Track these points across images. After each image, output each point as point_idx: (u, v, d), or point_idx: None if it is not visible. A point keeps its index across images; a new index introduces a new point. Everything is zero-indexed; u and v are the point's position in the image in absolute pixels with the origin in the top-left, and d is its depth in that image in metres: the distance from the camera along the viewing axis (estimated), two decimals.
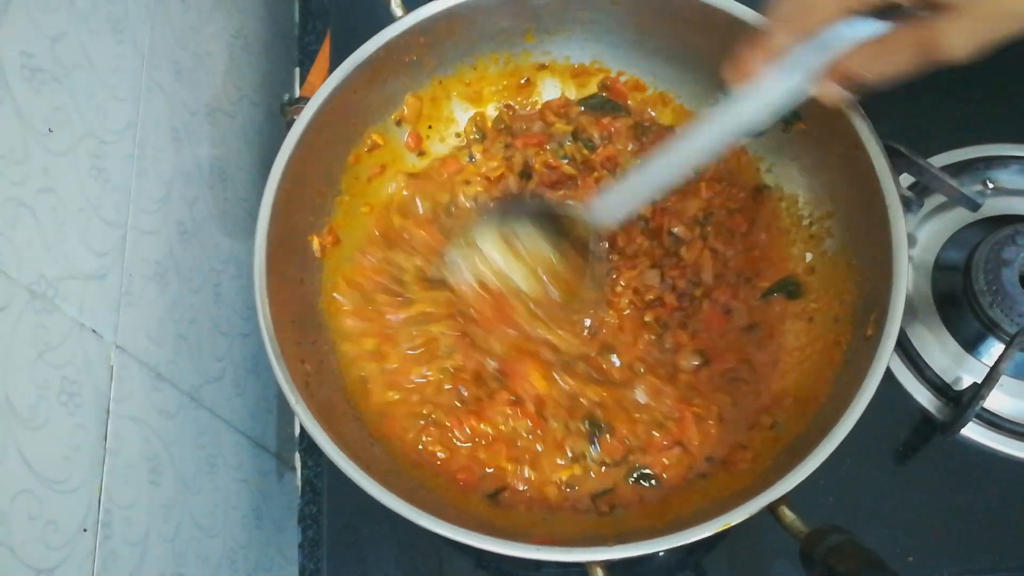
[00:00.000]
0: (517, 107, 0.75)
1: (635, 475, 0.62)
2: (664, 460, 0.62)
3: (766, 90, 0.49)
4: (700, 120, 0.53)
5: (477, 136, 0.74)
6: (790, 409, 0.61)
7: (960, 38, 0.43)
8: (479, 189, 0.72)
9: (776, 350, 0.65)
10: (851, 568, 0.47)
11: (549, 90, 0.75)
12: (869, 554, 0.47)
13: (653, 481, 0.62)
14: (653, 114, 0.74)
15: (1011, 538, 0.66)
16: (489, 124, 0.74)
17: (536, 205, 0.64)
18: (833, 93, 0.49)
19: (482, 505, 0.61)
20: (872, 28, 0.46)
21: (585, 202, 0.60)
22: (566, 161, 0.72)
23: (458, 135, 0.74)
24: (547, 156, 0.72)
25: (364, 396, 0.65)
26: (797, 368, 0.63)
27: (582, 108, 0.73)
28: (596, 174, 0.71)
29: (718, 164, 0.71)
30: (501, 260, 0.61)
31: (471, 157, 0.73)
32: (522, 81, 0.74)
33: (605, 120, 0.73)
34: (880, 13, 0.46)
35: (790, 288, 0.66)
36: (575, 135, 0.72)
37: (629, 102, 0.74)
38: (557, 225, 0.61)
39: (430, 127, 0.73)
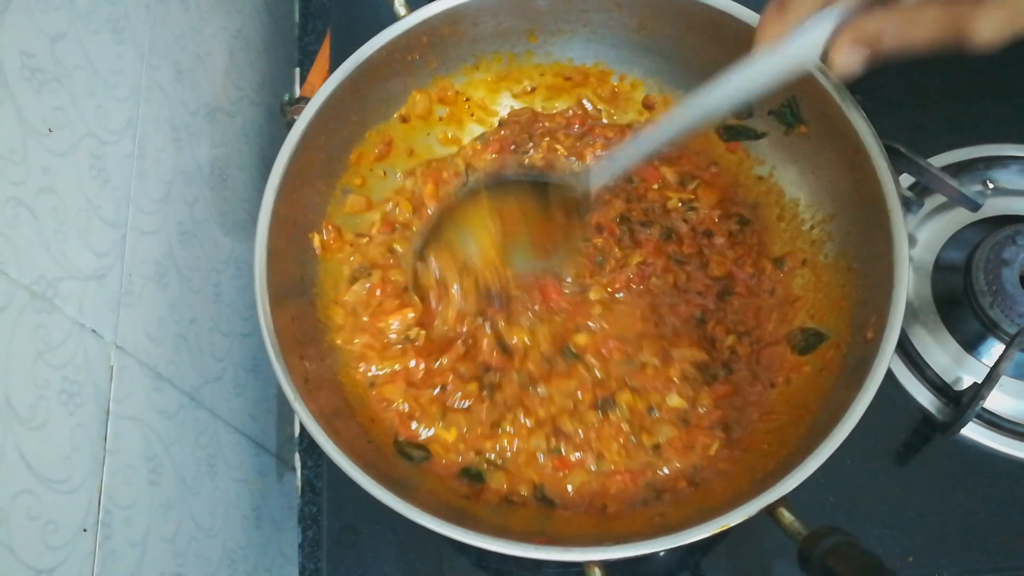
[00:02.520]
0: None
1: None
2: (677, 464, 0.62)
3: (786, 50, 0.49)
4: (717, 78, 0.51)
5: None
6: (790, 412, 0.61)
7: (991, 24, 0.42)
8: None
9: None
10: (849, 570, 0.47)
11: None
12: (867, 555, 0.47)
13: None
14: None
15: (1011, 538, 0.66)
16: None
17: (524, 175, 0.64)
18: (848, 60, 0.48)
19: (482, 504, 0.61)
20: None
21: (582, 165, 0.61)
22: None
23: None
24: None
25: (364, 395, 0.65)
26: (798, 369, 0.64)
27: None
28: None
29: (718, 174, 0.71)
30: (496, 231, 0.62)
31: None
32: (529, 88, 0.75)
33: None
34: None
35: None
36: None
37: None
38: (542, 194, 0.61)
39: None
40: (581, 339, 0.65)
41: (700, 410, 0.63)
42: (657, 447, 0.62)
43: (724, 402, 0.63)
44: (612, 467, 0.62)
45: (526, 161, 0.73)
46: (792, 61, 0.49)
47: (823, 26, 0.47)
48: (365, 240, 0.69)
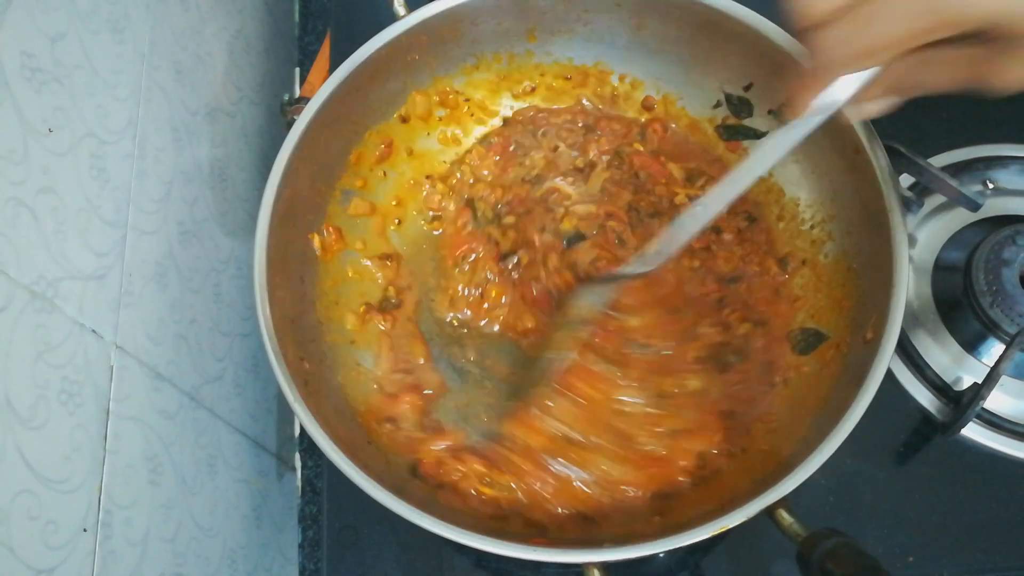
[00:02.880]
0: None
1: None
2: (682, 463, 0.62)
3: (813, 115, 0.49)
4: (753, 152, 0.53)
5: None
6: (790, 412, 0.61)
7: (1014, 72, 0.42)
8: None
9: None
10: (847, 572, 0.47)
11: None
12: (866, 557, 0.47)
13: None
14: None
15: (1011, 538, 0.66)
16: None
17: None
18: (872, 108, 0.48)
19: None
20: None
21: (636, 257, 0.62)
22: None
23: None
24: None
25: (363, 396, 0.65)
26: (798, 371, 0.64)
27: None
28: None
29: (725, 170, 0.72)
30: None
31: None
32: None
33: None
34: None
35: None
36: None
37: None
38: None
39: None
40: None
41: (711, 396, 0.63)
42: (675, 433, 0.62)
43: (734, 390, 0.64)
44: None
45: (526, 163, 0.73)
46: (822, 117, 0.49)
47: (854, 86, 0.46)
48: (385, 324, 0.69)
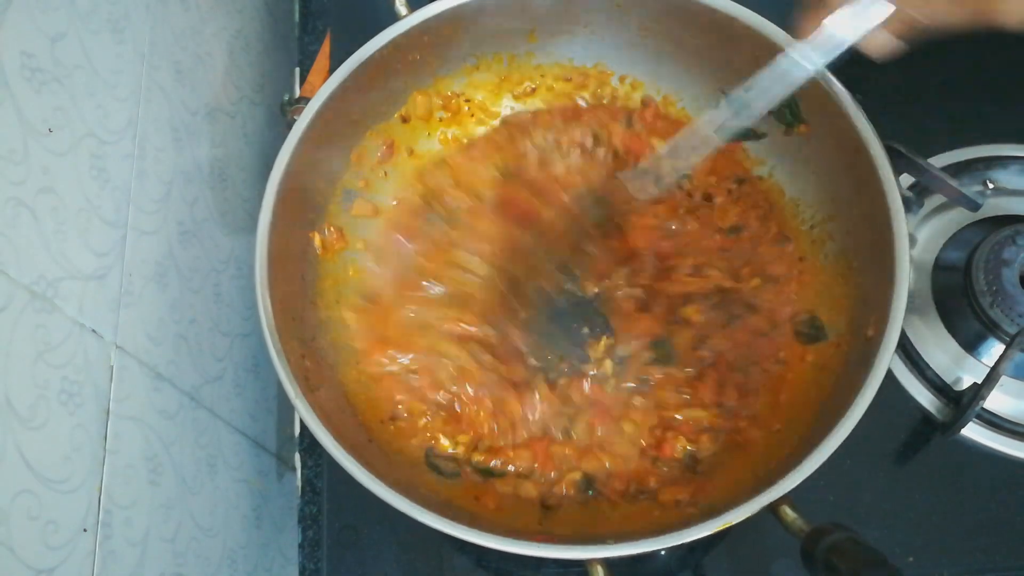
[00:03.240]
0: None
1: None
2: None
3: (825, 38, 0.51)
4: (762, 71, 0.54)
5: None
6: (790, 412, 0.61)
7: (1015, 8, 0.43)
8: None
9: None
10: (852, 566, 0.47)
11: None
12: (870, 551, 0.47)
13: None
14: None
15: (1011, 538, 0.66)
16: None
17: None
18: (882, 42, 0.49)
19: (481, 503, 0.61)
20: None
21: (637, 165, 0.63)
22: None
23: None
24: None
25: (364, 394, 0.65)
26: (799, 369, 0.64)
27: None
28: None
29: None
30: None
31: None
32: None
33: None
34: None
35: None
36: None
37: None
38: None
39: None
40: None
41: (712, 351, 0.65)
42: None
43: (737, 344, 0.65)
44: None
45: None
46: (833, 47, 0.51)
47: (865, 16, 0.48)
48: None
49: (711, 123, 0.59)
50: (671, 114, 0.73)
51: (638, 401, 0.64)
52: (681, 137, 0.62)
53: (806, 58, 0.53)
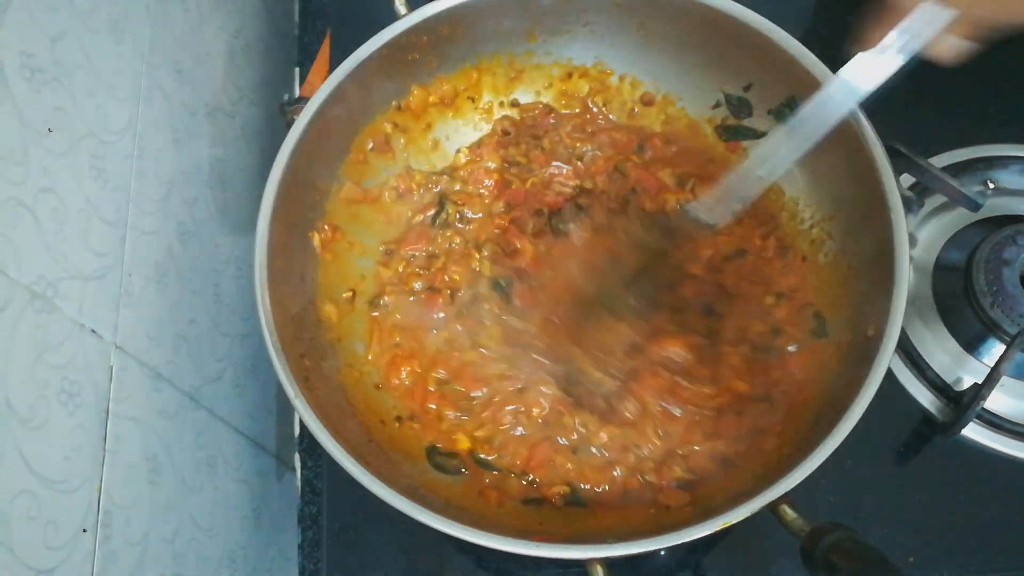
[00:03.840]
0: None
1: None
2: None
3: (889, 54, 0.49)
4: (819, 93, 0.53)
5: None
6: (790, 411, 0.61)
7: None
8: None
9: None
10: (852, 565, 0.47)
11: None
12: (871, 551, 0.47)
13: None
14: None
15: (1011, 538, 0.66)
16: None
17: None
18: (950, 45, 0.48)
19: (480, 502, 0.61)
20: None
21: (694, 202, 0.62)
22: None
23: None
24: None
25: (364, 394, 0.65)
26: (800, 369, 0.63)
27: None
28: None
29: (716, 170, 0.71)
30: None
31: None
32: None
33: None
34: None
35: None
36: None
37: None
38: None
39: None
40: None
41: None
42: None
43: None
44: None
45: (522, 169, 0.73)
46: (897, 60, 0.49)
47: (934, 21, 0.46)
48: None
49: (761, 161, 0.57)
50: (677, 135, 0.73)
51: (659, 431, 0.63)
52: (731, 180, 0.60)
53: (860, 77, 0.50)
